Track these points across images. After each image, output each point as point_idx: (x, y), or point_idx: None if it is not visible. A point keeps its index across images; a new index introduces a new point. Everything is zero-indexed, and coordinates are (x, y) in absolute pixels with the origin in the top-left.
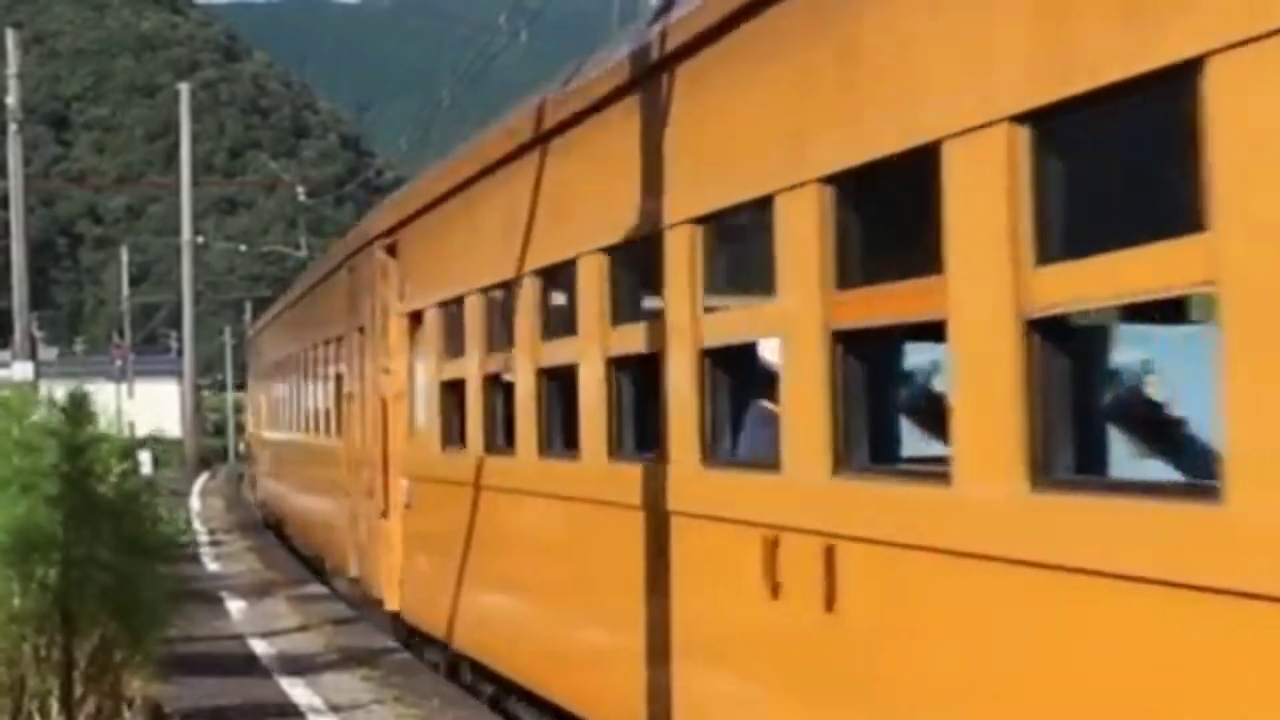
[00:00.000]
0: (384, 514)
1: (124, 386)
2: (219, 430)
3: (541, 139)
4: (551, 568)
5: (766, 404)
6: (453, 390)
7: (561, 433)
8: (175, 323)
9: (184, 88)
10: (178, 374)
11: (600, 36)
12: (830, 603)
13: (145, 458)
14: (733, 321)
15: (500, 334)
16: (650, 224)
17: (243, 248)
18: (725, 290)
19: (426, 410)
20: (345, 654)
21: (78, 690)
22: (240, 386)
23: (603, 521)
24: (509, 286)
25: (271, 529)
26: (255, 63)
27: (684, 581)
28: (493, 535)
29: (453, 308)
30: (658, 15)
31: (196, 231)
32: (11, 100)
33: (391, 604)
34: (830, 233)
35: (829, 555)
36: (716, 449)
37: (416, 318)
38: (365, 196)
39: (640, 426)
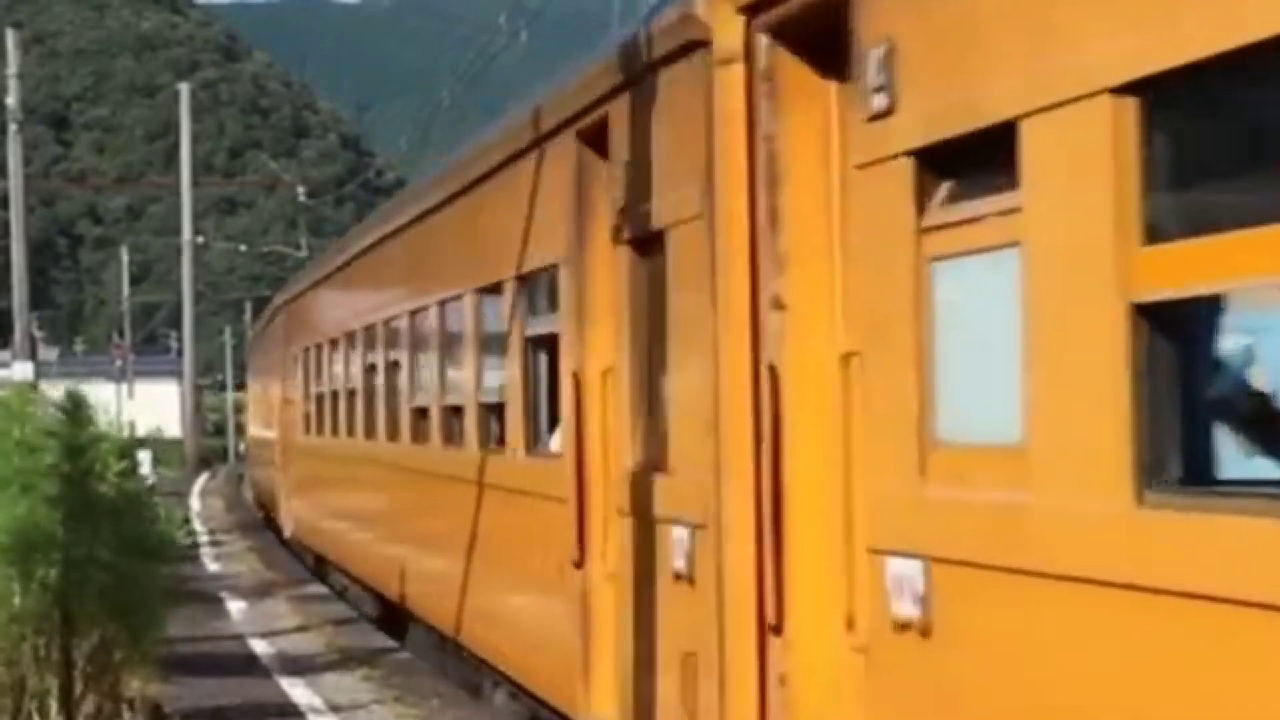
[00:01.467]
0: (777, 631)
1: (124, 387)
2: (219, 430)
3: None
4: None
5: None
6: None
7: None
8: (175, 323)
9: (184, 88)
10: (178, 374)
11: (600, 36)
12: None
13: (145, 457)
14: None
15: None
16: None
17: (243, 248)
18: None
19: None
20: (345, 654)
21: (78, 690)
22: (240, 386)
23: None
24: None
25: (310, 568)
26: (255, 63)
27: None
28: None
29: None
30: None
31: (196, 231)
32: (11, 100)
33: None
34: None
35: None
36: None
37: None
38: (365, 197)
39: None
